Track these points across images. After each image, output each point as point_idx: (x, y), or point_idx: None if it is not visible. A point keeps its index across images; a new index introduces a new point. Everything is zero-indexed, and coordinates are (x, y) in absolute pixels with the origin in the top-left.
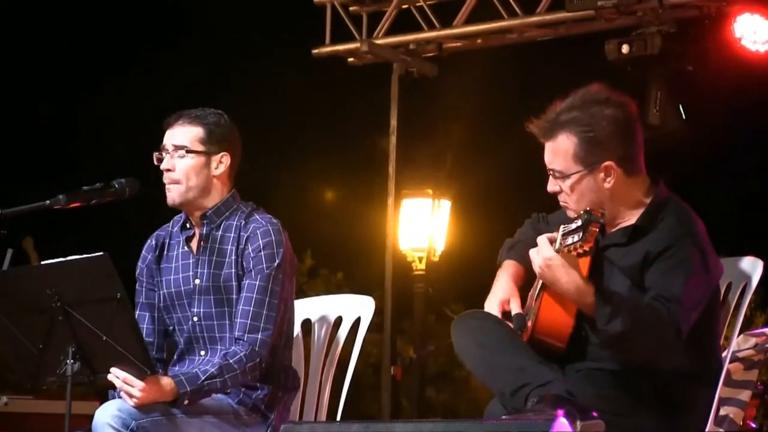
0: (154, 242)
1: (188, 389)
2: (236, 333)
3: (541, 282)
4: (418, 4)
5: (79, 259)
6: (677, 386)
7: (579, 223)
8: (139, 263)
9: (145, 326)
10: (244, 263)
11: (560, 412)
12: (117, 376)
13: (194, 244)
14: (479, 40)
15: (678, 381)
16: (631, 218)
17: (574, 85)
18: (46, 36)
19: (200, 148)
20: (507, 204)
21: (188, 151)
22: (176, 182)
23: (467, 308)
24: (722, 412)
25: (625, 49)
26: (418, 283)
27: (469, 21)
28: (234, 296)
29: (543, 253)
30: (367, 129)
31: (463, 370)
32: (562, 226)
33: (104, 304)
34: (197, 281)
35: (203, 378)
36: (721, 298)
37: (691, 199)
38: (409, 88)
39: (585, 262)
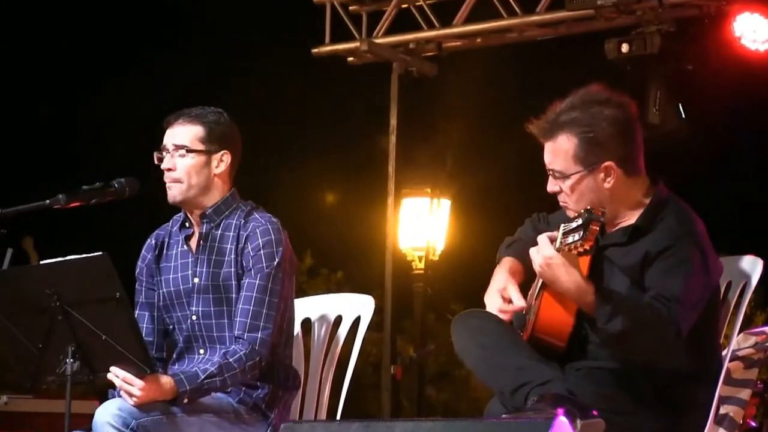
0: (153, 241)
1: (188, 388)
2: (236, 332)
3: (541, 281)
4: (417, 4)
5: (78, 259)
6: (677, 385)
7: (579, 221)
8: (139, 262)
9: (144, 325)
10: (243, 262)
11: (560, 410)
12: (117, 375)
13: (193, 243)
14: (479, 40)
15: (678, 380)
16: (630, 218)
17: (574, 85)
18: (46, 36)
19: (200, 147)
20: (507, 203)
21: (189, 151)
22: (177, 181)
23: (467, 307)
24: (722, 410)
25: (624, 48)
26: (418, 282)
27: (468, 20)
28: (233, 295)
29: (543, 252)
30: (366, 128)
31: (463, 369)
32: (562, 225)
33: (104, 303)
34: (196, 280)
35: (203, 377)
36: (721, 297)
37: (691, 199)
38: (409, 88)
39: (585, 262)
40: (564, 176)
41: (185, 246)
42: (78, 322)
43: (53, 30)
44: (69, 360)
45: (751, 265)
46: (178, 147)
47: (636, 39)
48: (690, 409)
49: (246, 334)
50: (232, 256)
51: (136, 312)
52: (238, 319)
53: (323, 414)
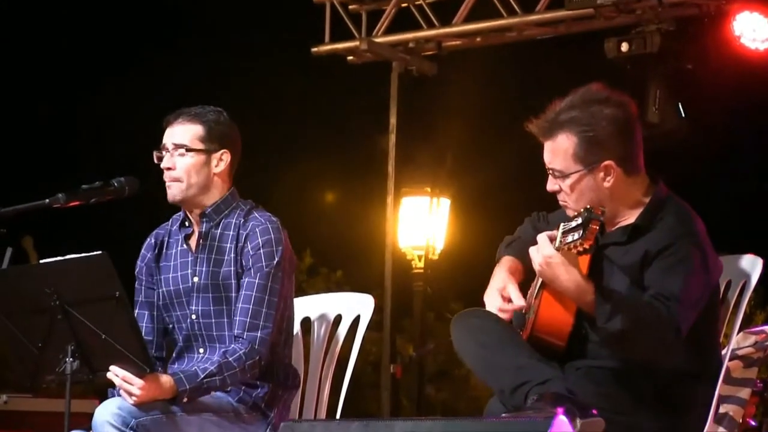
0: (153, 241)
1: (187, 387)
2: (236, 331)
3: (540, 280)
4: (417, 3)
5: (77, 258)
6: (677, 384)
7: (579, 220)
8: (139, 262)
9: (144, 325)
10: (243, 261)
11: (560, 409)
12: (116, 374)
13: (193, 242)
14: (478, 39)
15: (678, 379)
16: (630, 217)
17: (573, 84)
18: (46, 36)
19: (200, 146)
20: (506, 202)
21: (188, 150)
22: (177, 180)
23: (467, 306)
24: (722, 409)
25: (624, 47)
26: (418, 281)
27: (468, 19)
28: (232, 294)
29: (543, 251)
30: (366, 127)
31: (463, 368)
32: (562, 224)
33: (103, 302)
34: (196, 279)
35: (202, 376)
36: (721, 296)
37: (690, 198)
38: (409, 87)
39: (585, 261)
40: (564, 175)
41: (185, 245)
42: (78, 321)
43: (53, 30)
44: (68, 359)
45: (750, 264)
46: (177, 146)
47: (636, 38)
48: (690, 408)
49: (246, 333)
50: (232, 255)
51: (136, 311)
52: (237, 318)
53: (323, 413)
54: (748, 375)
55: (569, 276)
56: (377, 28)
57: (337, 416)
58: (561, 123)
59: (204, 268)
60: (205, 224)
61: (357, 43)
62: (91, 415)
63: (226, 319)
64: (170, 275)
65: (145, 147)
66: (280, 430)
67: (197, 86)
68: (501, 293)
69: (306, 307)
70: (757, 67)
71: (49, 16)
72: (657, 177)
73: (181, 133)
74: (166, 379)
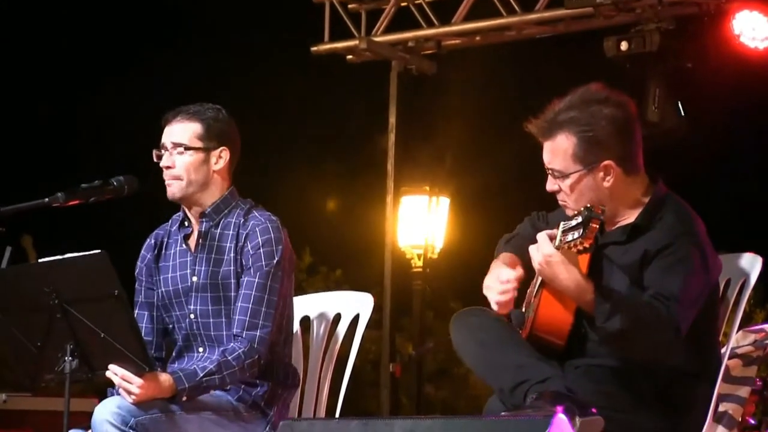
0: (153, 241)
1: (186, 386)
2: (235, 330)
3: (540, 279)
4: (416, 2)
5: (76, 257)
6: (676, 383)
7: (579, 219)
8: (138, 263)
9: (144, 325)
10: (243, 260)
11: (559, 408)
12: (115, 373)
13: (192, 242)
14: (478, 38)
15: (677, 377)
16: (630, 217)
17: (573, 83)
18: (46, 36)
19: (199, 144)
20: (505, 201)
21: (187, 148)
22: (176, 178)
23: (466, 305)
24: (721, 408)
25: (623, 46)
26: (417, 280)
27: (467, 18)
28: (232, 294)
29: (543, 250)
30: (365, 126)
31: (462, 367)
32: (562, 223)
33: (102, 301)
34: (195, 279)
35: (202, 374)
36: (720, 294)
37: (690, 197)
38: (408, 86)
39: (584, 260)
40: (563, 175)
41: (184, 245)
42: (77, 320)
43: (53, 30)
44: (68, 358)
45: (750, 262)
46: (176, 145)
47: (635, 37)
48: (689, 406)
49: (245, 332)
50: (232, 255)
51: (136, 312)
52: (237, 317)
53: (322, 412)
54: (747, 373)
55: (569, 275)
56: (377, 27)
57: (337, 415)
58: (560, 123)
59: (203, 268)
60: (204, 224)
61: (356, 42)
62: (90, 414)
63: (224, 319)
64: (169, 275)
65: (145, 147)
66: (280, 428)
67: (197, 86)
68: (499, 279)
69: (305, 305)
70: (756, 65)
71: (49, 16)
72: (656, 176)
73: (180, 131)
74: (165, 378)
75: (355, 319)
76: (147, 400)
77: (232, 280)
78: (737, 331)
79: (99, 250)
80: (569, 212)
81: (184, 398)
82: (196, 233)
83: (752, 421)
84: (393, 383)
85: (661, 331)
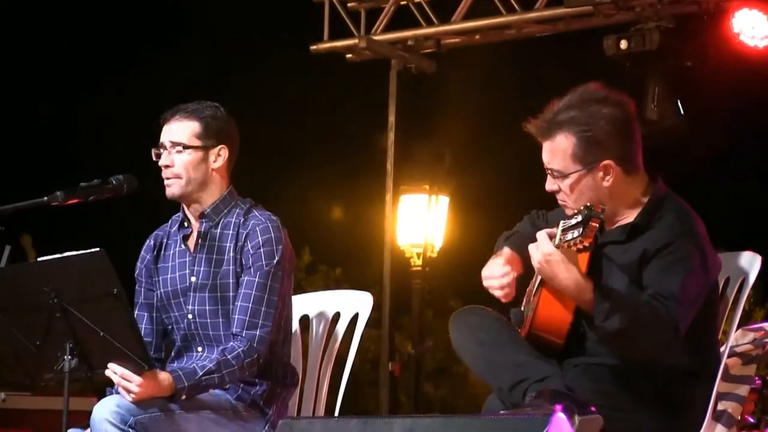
0: (152, 242)
1: (186, 384)
2: (234, 329)
3: (539, 278)
4: (416, 1)
5: (75, 255)
6: (676, 381)
7: (579, 218)
8: (138, 264)
9: (143, 326)
10: (243, 260)
11: (558, 407)
12: (115, 371)
13: (191, 242)
14: (477, 36)
15: (676, 376)
16: (629, 216)
17: (572, 81)
18: (46, 36)
19: (197, 143)
20: (505, 200)
21: (185, 147)
22: (175, 177)
23: (465, 304)
24: (720, 407)
25: (623, 44)
26: (416, 278)
27: (467, 17)
28: (230, 294)
29: (542, 249)
30: (365, 125)
31: (462, 365)
32: (561, 221)
33: (101, 299)
34: (193, 279)
35: (201, 373)
36: (720, 293)
37: (689, 196)
38: (408, 85)
39: (584, 259)
40: (563, 175)
41: (183, 245)
42: (76, 319)
43: (53, 30)
44: (67, 357)
45: (749, 261)
46: (174, 144)
47: (635, 35)
48: (688, 405)
49: (244, 332)
50: (231, 255)
51: (136, 313)
52: (236, 316)
53: (321, 411)
54: (746, 372)
55: (568, 274)
56: (376, 25)
57: (336, 414)
58: (559, 123)
59: (202, 268)
60: (204, 224)
61: (356, 41)
62: (89, 413)
63: (222, 319)
64: (168, 276)
65: (145, 147)
66: (279, 427)
67: (197, 86)
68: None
69: (304, 304)
70: (756, 64)
71: (49, 16)
72: (656, 175)
73: (179, 130)
74: (164, 377)
75: (355, 318)
76: (146, 398)
77: (231, 280)
78: (736, 330)
79: (98, 249)
80: (569, 212)
81: (184, 397)
82: (195, 233)
83: (751, 420)
84: (392, 382)
85: (659, 331)
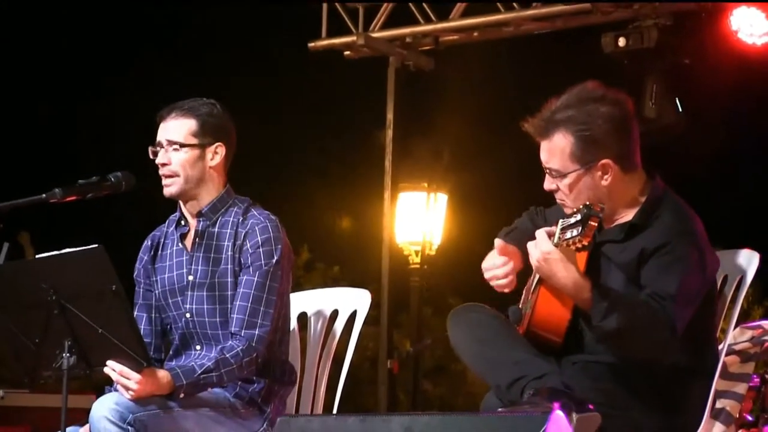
0: (149, 242)
1: (184, 382)
2: (233, 328)
3: (537, 276)
4: None
5: (74, 252)
6: (674, 379)
7: (578, 217)
8: (137, 265)
9: (142, 327)
10: (241, 259)
11: (556, 404)
12: (113, 369)
13: (188, 241)
14: (476, 34)
15: (674, 374)
16: (627, 215)
17: (570, 79)
18: (46, 36)
19: (194, 141)
20: (504, 198)
21: (182, 146)
22: (172, 175)
23: (464, 302)
24: (718, 404)
25: (621, 42)
26: (415, 276)
27: (465, 14)
28: (228, 293)
29: (541, 247)
30: (363, 123)
31: (460, 363)
32: (560, 220)
33: (100, 296)
34: (191, 278)
35: (200, 372)
36: (718, 291)
37: (688, 194)
38: (406, 82)
39: (582, 258)
40: (561, 175)
41: (180, 244)
42: (74, 316)
43: (53, 30)
44: (65, 354)
45: (747, 258)
46: (171, 142)
47: (633, 33)
48: (686, 402)
49: (243, 331)
50: (229, 254)
51: (135, 313)
52: (235, 315)
53: (319, 408)
54: (744, 370)
55: (567, 273)
56: (374, 23)
57: (334, 411)
58: (557, 122)
59: (200, 267)
60: (201, 223)
61: (354, 38)
62: (88, 411)
63: (220, 318)
64: (166, 275)
65: (144, 147)
66: (277, 424)
67: (197, 86)
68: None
69: (303, 302)
70: (754, 62)
71: (49, 16)
72: (654, 173)
73: (175, 128)
74: (163, 375)
75: (353, 316)
76: (145, 396)
77: (229, 279)
78: (735, 328)
79: (96, 245)
80: (567, 211)
81: (182, 395)
82: (192, 232)
83: (749, 418)
84: (390, 380)
85: (657, 331)
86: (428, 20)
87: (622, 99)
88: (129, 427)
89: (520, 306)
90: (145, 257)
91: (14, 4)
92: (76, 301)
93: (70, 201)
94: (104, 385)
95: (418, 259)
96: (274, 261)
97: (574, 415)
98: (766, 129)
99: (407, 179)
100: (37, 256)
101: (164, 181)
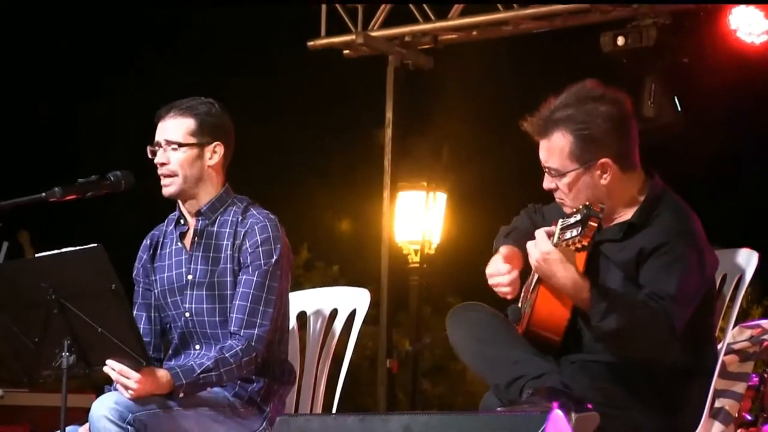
0: (148, 242)
1: (184, 382)
2: (232, 328)
3: (537, 275)
4: None
5: (73, 251)
6: (673, 378)
7: (578, 217)
8: (136, 264)
9: (142, 326)
10: (241, 258)
11: (555, 404)
12: (113, 368)
13: (188, 240)
14: (475, 33)
15: (673, 373)
16: (626, 214)
17: (569, 78)
18: (46, 36)
19: (192, 140)
20: (503, 197)
21: (180, 145)
22: (171, 175)
23: (463, 301)
24: (717, 404)
25: (620, 41)
26: (414, 275)
27: (464, 13)
28: (228, 292)
29: (540, 247)
30: (362, 122)
31: (459, 363)
32: (560, 220)
33: (99, 296)
34: (190, 277)
35: (199, 371)
36: (717, 290)
37: (687, 194)
38: (405, 81)
39: (581, 257)
40: (560, 174)
41: (179, 243)
42: (74, 315)
43: (53, 30)
44: (65, 353)
45: (746, 258)
46: (170, 142)
47: (632, 32)
48: (685, 402)
49: (242, 331)
50: (228, 252)
51: (134, 313)
52: (234, 315)
53: (319, 408)
54: (743, 369)
55: (566, 273)
56: (373, 21)
57: (333, 411)
58: (556, 121)
59: (199, 266)
60: (200, 222)
61: (353, 36)
62: (87, 410)
63: (219, 317)
64: (165, 274)
65: (144, 147)
66: (276, 424)
67: (197, 85)
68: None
69: (302, 301)
70: (753, 60)
71: (49, 16)
72: (653, 172)
73: (173, 128)
74: (162, 374)
75: (352, 315)
76: (144, 395)
77: (229, 278)
78: (734, 327)
79: (95, 244)
80: (567, 210)
81: (181, 394)
82: (191, 231)
83: (748, 417)
84: (390, 379)
85: (656, 331)
86: (427, 19)
87: (621, 98)
88: (128, 427)
89: (520, 305)
90: (145, 256)
91: (14, 4)
92: (75, 301)
93: (70, 200)
94: (104, 384)
95: (417, 258)
96: (273, 260)
97: (573, 415)
98: (765, 128)
99: (406, 178)
100: (36, 255)
101: (163, 181)
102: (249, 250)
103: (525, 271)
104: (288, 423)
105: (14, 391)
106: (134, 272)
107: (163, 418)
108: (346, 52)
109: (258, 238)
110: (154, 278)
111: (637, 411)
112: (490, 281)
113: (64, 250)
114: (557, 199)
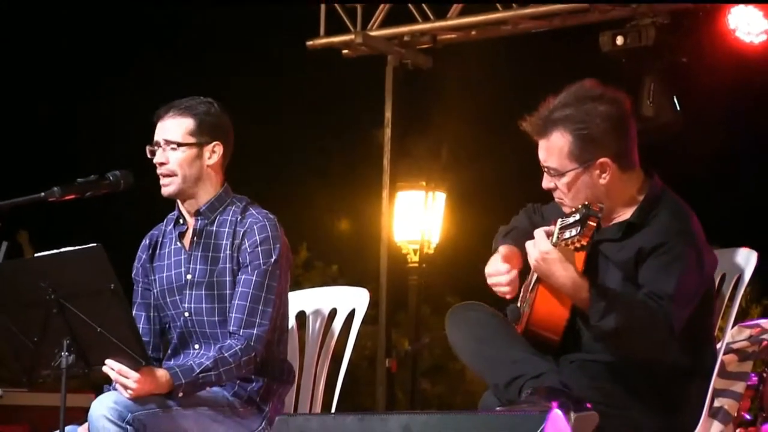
0: (147, 242)
1: (183, 381)
2: (231, 327)
3: (536, 275)
4: None
5: (72, 251)
6: (672, 378)
7: (577, 217)
8: (135, 264)
9: (141, 326)
10: (240, 258)
11: (554, 403)
12: (112, 367)
13: (187, 240)
14: (474, 32)
15: (672, 373)
16: (625, 213)
17: (568, 77)
18: (46, 36)
19: (191, 140)
20: (502, 196)
21: (179, 145)
22: (170, 175)
23: (462, 300)
24: (716, 403)
25: (619, 40)
26: (413, 275)
27: (463, 13)
28: (227, 291)
29: (540, 247)
30: (361, 121)
31: (458, 362)
32: (559, 219)
33: (98, 295)
34: (189, 276)
35: (198, 370)
36: (716, 289)
37: (686, 193)
38: (404, 80)
39: (581, 257)
40: (559, 173)
41: (178, 243)
42: (73, 315)
43: (53, 30)
44: (64, 353)
45: (745, 257)
46: (169, 142)
47: (631, 31)
48: (684, 401)
49: (242, 330)
50: (227, 252)
51: (133, 312)
52: (233, 314)
53: (318, 407)
54: (743, 369)
55: (565, 272)
56: (372, 21)
57: (333, 410)
58: (555, 121)
59: (198, 266)
60: (199, 222)
61: (352, 36)
62: (87, 410)
63: (219, 317)
64: (164, 274)
65: (144, 147)
66: (275, 423)
67: (197, 85)
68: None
69: (301, 300)
70: (752, 60)
71: (49, 16)
72: (652, 170)
73: (172, 127)
74: (162, 373)
75: (351, 315)
76: (144, 395)
77: (228, 278)
78: (733, 327)
79: (95, 244)
80: (566, 209)
81: (181, 394)
82: (190, 231)
83: (747, 417)
84: (389, 379)
85: (655, 331)
86: (426, 19)
87: (620, 97)
88: (128, 426)
89: (519, 305)
90: (144, 256)
91: (14, 4)
92: (74, 300)
93: (69, 200)
94: (103, 384)
95: (416, 258)
96: (272, 260)
97: (572, 414)
98: (764, 127)
99: (405, 178)
100: (35, 255)
101: (162, 181)
102: (248, 250)
103: (524, 270)
104: (287, 422)
105: (13, 390)
106: (133, 272)
107: (162, 418)
108: (345, 51)
109: (257, 237)
110: (153, 278)
111: (636, 410)
112: (489, 281)
113: (63, 249)
114: (556, 199)
